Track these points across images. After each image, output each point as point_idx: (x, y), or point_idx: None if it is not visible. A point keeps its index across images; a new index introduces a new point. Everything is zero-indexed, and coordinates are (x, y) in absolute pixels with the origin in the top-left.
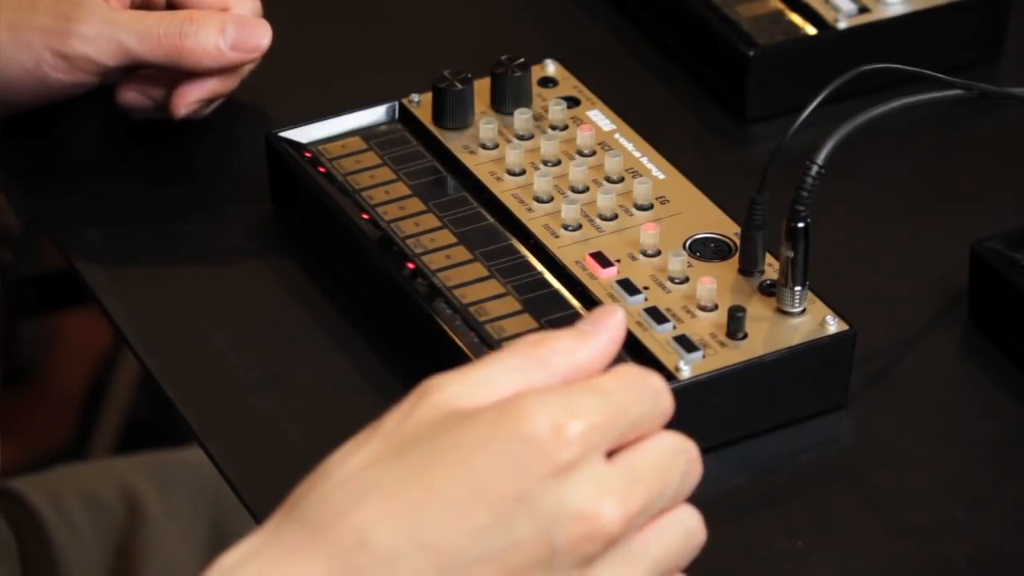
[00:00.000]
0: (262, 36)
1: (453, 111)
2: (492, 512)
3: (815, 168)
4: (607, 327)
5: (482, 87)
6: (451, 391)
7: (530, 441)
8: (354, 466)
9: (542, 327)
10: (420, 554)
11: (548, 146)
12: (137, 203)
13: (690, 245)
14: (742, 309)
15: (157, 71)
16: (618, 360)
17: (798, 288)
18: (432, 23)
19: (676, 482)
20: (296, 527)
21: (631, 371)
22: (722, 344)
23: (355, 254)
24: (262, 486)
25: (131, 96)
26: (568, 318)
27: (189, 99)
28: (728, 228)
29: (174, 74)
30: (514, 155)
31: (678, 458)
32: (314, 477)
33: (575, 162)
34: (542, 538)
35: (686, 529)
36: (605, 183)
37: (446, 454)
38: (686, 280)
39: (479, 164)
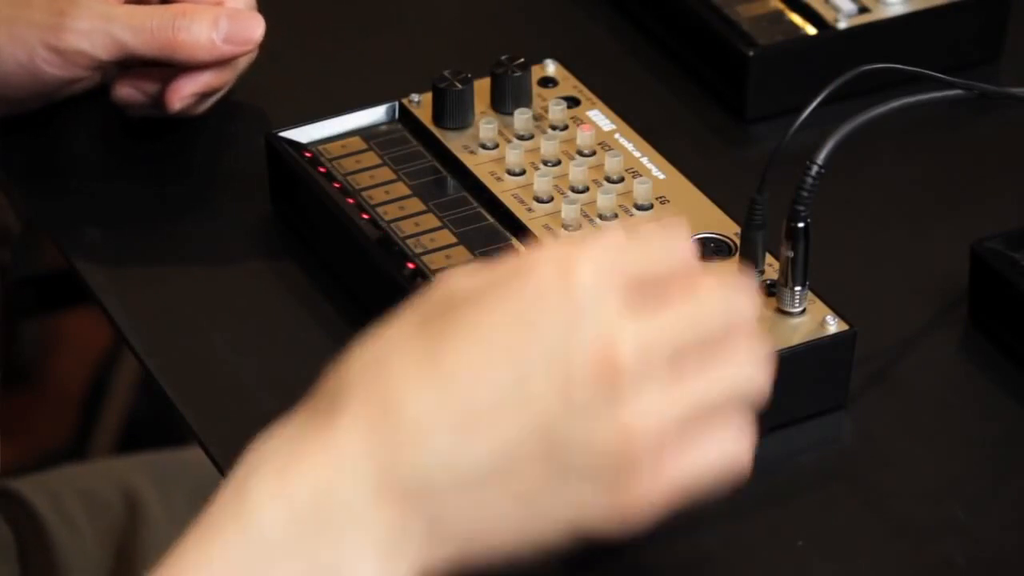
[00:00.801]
0: (255, 28)
1: (453, 111)
2: (511, 363)
3: (815, 168)
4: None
5: (482, 87)
6: (460, 277)
7: (538, 286)
8: (376, 348)
9: None
10: (446, 413)
11: (548, 146)
12: (137, 203)
13: None
14: None
15: (152, 66)
16: None
17: (798, 288)
18: (432, 23)
19: (712, 315)
20: (325, 404)
21: (655, 225)
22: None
23: (355, 254)
24: None
25: (126, 92)
26: None
27: (183, 93)
28: (728, 228)
29: (169, 70)
30: (514, 155)
31: (713, 293)
32: (337, 366)
33: (575, 162)
34: (559, 373)
35: (736, 365)
36: (605, 183)
37: (461, 319)
38: None
39: (479, 164)
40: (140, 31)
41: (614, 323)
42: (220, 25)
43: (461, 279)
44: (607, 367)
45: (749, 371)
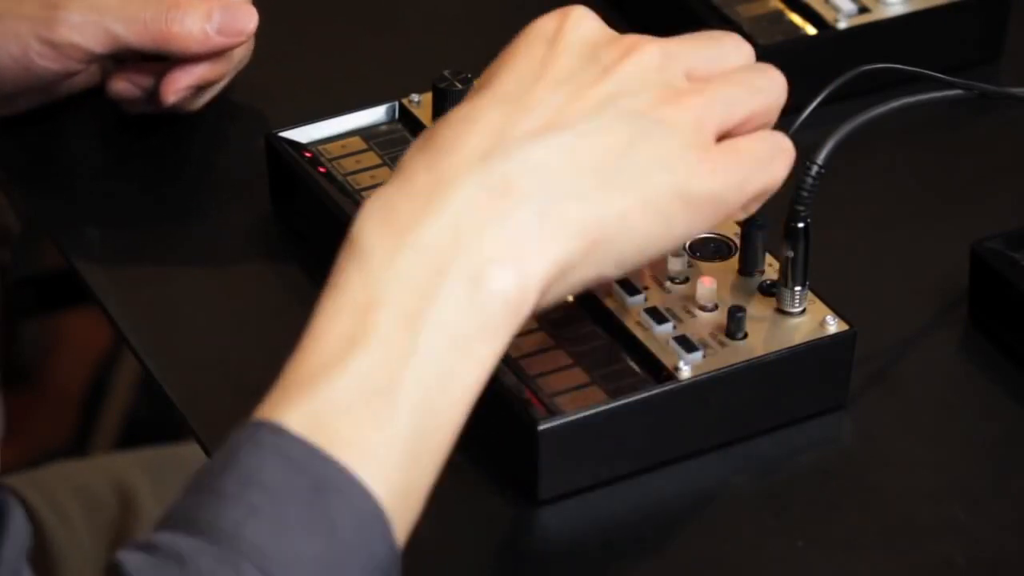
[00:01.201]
0: (249, 20)
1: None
2: (545, 62)
3: (815, 168)
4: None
5: None
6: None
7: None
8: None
9: (540, 328)
10: (518, 120)
11: None
12: (137, 203)
13: (690, 245)
14: (742, 309)
15: (147, 61)
16: (617, 360)
17: (798, 288)
18: (432, 23)
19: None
20: (423, 156)
21: None
22: (722, 344)
23: None
24: None
25: (121, 86)
26: (564, 320)
27: (178, 86)
28: (728, 228)
29: (164, 64)
30: None
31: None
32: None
33: None
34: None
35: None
36: None
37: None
38: (686, 280)
39: None
40: (133, 23)
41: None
42: (213, 17)
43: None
44: (627, 42)
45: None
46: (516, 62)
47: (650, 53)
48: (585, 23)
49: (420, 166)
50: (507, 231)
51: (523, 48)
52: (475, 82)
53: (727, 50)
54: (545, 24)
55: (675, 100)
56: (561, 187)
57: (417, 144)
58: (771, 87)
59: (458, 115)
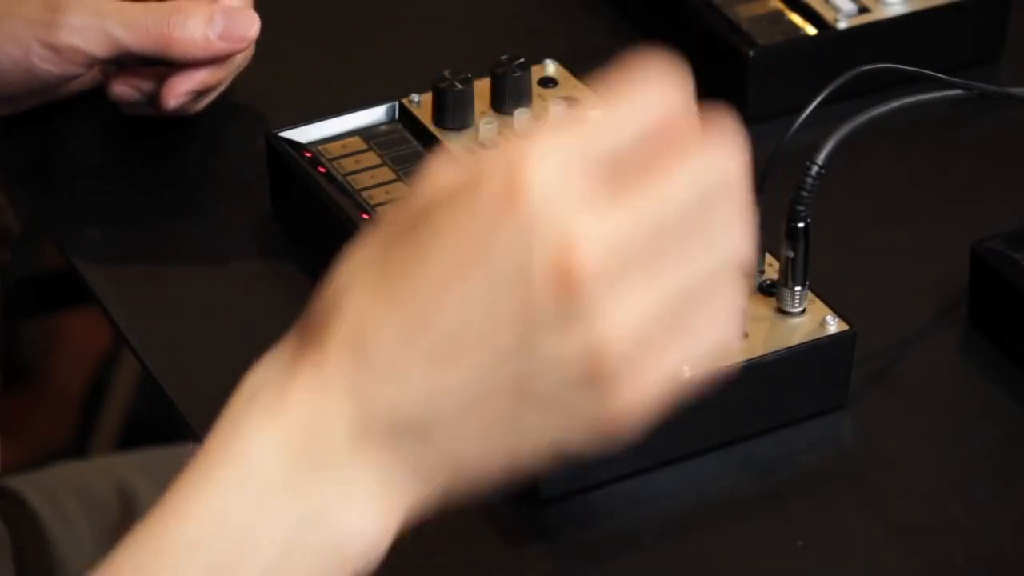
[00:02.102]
0: (250, 26)
1: (453, 111)
2: (469, 292)
3: (815, 168)
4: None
5: (482, 87)
6: (429, 180)
7: (488, 201)
8: (346, 274)
9: None
10: (414, 349)
11: None
12: (137, 203)
13: None
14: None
15: (148, 64)
16: None
17: (798, 288)
18: (432, 23)
19: (690, 185)
20: (309, 335)
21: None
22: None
23: None
24: None
25: (121, 89)
26: None
27: (179, 90)
28: None
29: (165, 68)
30: None
31: (690, 161)
32: (323, 289)
33: None
34: (519, 294)
35: (720, 237)
36: None
37: (416, 249)
38: None
39: None
40: (134, 27)
41: (571, 227)
42: (215, 22)
43: (428, 185)
44: (567, 278)
45: (733, 241)
46: (437, 241)
47: (589, 295)
48: (542, 192)
49: (334, 354)
50: (374, 481)
51: (450, 219)
52: (386, 218)
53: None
54: (491, 186)
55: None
56: (448, 446)
57: (359, 283)
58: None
59: (361, 282)
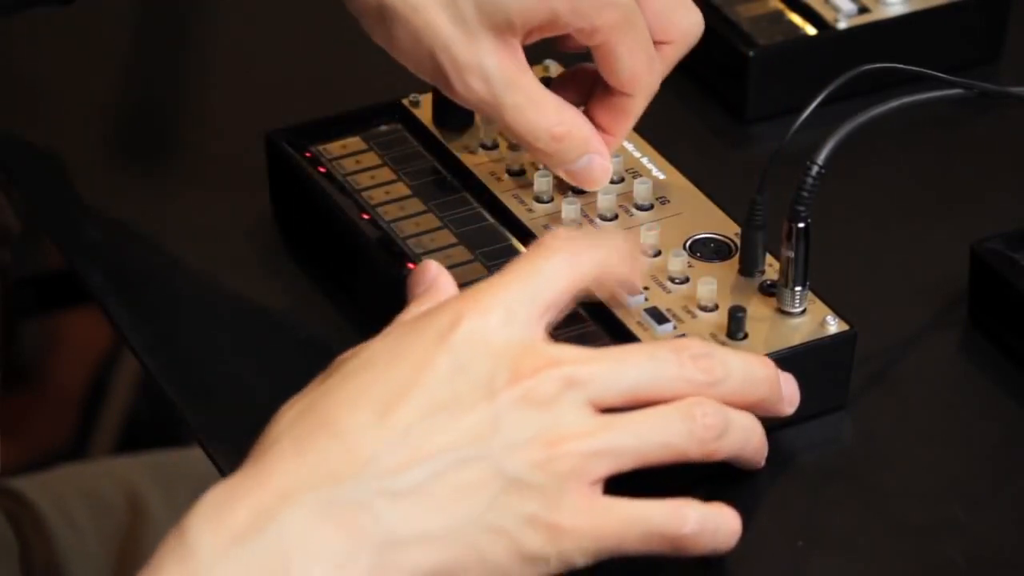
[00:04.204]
0: (600, 179)
1: (453, 111)
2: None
3: (815, 168)
4: None
5: None
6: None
7: (423, 327)
8: (304, 399)
9: None
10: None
11: None
12: (137, 203)
13: (690, 245)
14: (742, 309)
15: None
16: None
17: (798, 288)
18: None
19: (641, 366)
20: (259, 451)
21: None
22: (722, 344)
23: (355, 254)
24: None
25: None
26: (566, 321)
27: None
28: (728, 228)
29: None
30: (514, 155)
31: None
32: (269, 425)
33: None
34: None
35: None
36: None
37: (344, 378)
38: (686, 280)
39: (479, 164)
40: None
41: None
42: (586, 152)
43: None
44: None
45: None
46: (396, 359)
47: (549, 380)
48: (480, 324)
49: (276, 455)
50: (338, 570)
51: (407, 342)
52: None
53: (669, 372)
54: (439, 318)
55: (551, 454)
56: (405, 531)
57: (289, 414)
58: (705, 432)
59: (337, 400)
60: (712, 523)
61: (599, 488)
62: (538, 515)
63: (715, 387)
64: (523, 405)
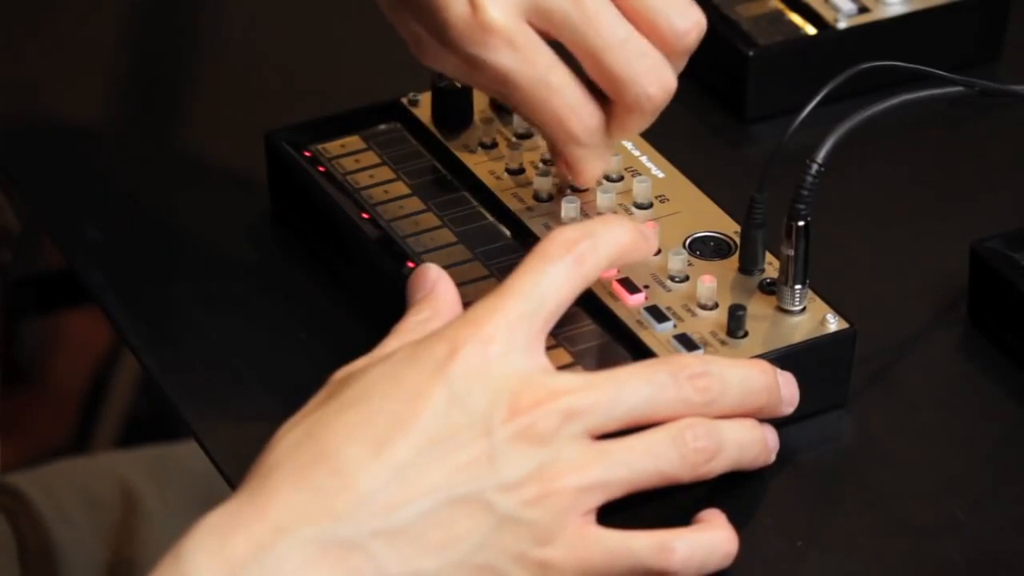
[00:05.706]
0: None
1: (453, 111)
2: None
3: (815, 167)
4: None
5: None
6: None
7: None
8: (301, 428)
9: None
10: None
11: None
12: (137, 203)
13: (690, 244)
14: (742, 307)
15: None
16: (618, 358)
17: (798, 286)
18: None
19: (636, 397)
20: (257, 481)
21: None
22: (722, 343)
23: (355, 254)
24: None
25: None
26: (565, 319)
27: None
28: (728, 227)
29: None
30: (514, 155)
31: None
32: (264, 450)
33: None
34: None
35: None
36: (604, 182)
37: (342, 408)
38: (686, 279)
39: (479, 164)
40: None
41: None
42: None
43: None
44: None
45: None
46: (394, 389)
47: (548, 415)
48: (478, 354)
49: (275, 485)
50: None
51: (405, 371)
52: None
53: (667, 395)
54: (437, 347)
55: (544, 491)
56: (397, 570)
57: (288, 438)
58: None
59: (335, 432)
60: (702, 551)
61: (591, 517)
62: (529, 553)
63: (712, 405)
64: (520, 441)
